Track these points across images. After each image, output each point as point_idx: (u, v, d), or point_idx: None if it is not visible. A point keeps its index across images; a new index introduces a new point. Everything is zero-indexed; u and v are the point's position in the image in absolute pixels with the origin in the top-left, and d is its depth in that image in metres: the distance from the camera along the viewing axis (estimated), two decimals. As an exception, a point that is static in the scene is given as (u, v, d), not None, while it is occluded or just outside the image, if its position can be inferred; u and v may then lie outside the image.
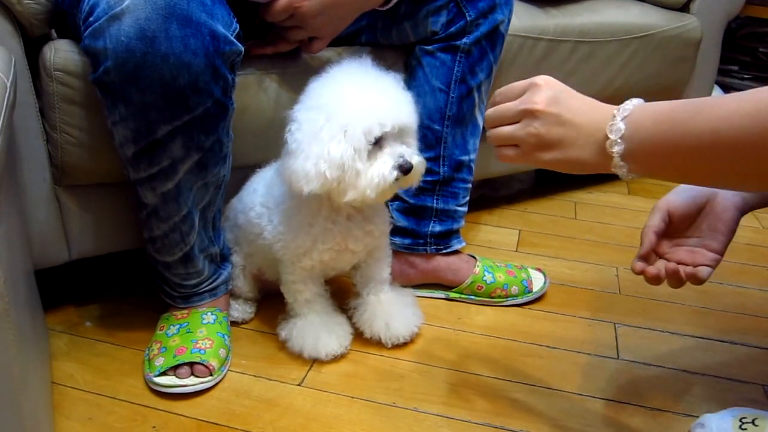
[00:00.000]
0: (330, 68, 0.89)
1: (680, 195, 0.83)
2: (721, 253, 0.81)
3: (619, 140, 0.62)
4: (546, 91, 0.66)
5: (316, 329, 0.97)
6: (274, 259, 0.97)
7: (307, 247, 0.92)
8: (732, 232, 0.82)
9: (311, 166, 0.81)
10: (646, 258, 0.83)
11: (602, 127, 0.63)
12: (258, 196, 0.98)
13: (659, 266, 0.81)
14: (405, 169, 0.85)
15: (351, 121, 0.82)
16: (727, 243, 0.82)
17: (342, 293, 1.10)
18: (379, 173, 0.84)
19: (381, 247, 1.02)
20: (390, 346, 1.02)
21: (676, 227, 0.83)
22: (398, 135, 0.87)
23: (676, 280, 0.79)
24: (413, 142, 0.91)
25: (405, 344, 1.03)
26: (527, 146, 0.67)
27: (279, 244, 0.93)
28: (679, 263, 0.80)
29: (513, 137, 0.68)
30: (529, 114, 0.66)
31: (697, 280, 0.78)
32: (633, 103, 0.64)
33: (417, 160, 0.88)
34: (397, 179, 0.85)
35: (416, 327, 1.04)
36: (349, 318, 1.04)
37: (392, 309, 1.01)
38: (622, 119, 0.62)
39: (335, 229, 0.92)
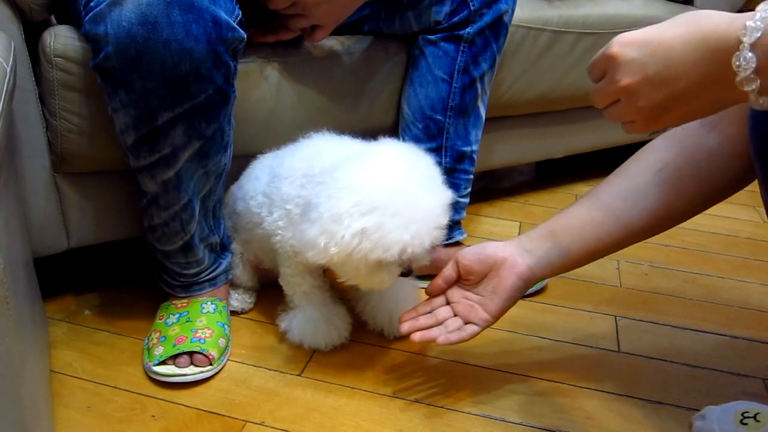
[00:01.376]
0: (397, 145, 0.85)
1: (473, 251, 0.86)
2: (495, 317, 0.85)
3: (752, 76, 0.51)
4: (624, 61, 0.58)
5: (316, 321, 0.97)
6: (272, 250, 0.96)
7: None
8: (511, 298, 0.85)
9: (322, 243, 0.77)
10: (429, 302, 0.89)
11: (721, 62, 0.53)
12: (261, 185, 0.96)
13: (438, 313, 0.87)
14: (406, 274, 0.83)
15: (382, 234, 0.76)
16: (505, 307, 0.85)
17: (341, 284, 1.09)
18: (379, 281, 0.83)
19: None
20: (392, 338, 1.02)
21: (467, 279, 0.87)
22: None
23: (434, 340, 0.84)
24: None
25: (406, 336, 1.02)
26: (642, 120, 0.61)
27: (277, 237, 0.92)
28: (456, 315, 0.86)
29: (623, 116, 0.62)
30: (621, 93, 0.60)
31: (459, 339, 0.84)
32: (763, 16, 0.51)
33: (422, 263, 0.84)
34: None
35: None
36: (352, 309, 1.03)
37: (396, 302, 1.00)
38: (750, 47, 0.51)
39: None
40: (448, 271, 0.88)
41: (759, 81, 0.51)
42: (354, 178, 0.79)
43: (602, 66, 0.61)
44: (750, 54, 0.50)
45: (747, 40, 0.50)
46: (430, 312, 0.88)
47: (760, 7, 0.51)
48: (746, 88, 0.52)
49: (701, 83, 0.55)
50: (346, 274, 0.84)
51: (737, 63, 0.51)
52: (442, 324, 0.86)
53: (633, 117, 0.61)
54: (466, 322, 0.85)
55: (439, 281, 0.88)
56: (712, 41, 0.53)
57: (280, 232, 0.91)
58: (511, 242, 0.86)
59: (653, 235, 0.85)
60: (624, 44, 0.58)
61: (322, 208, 0.78)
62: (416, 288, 1.07)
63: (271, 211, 0.93)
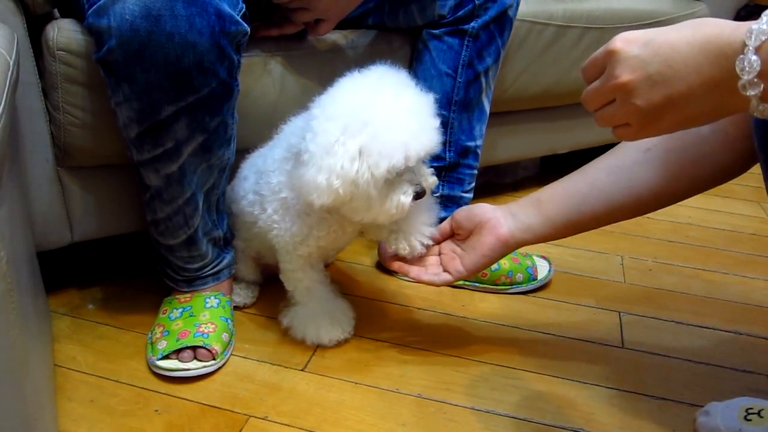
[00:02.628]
0: (358, 72, 0.82)
1: (466, 209, 0.92)
2: (469, 270, 0.90)
3: (755, 80, 0.50)
4: (626, 57, 0.56)
5: (318, 316, 0.97)
6: (272, 246, 0.96)
7: (303, 234, 0.90)
8: (487, 256, 0.89)
9: (323, 179, 0.76)
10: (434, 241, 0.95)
11: (723, 66, 0.52)
12: (249, 184, 0.95)
13: (426, 260, 0.94)
14: (420, 195, 0.82)
15: (374, 148, 0.75)
16: (480, 263, 0.89)
17: (343, 278, 1.10)
18: (397, 203, 0.80)
19: None
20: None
21: (458, 234, 0.93)
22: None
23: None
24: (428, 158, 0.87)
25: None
26: (636, 122, 0.58)
27: (274, 232, 0.92)
28: (440, 264, 0.92)
29: (617, 118, 0.60)
30: (618, 91, 0.57)
31: (429, 281, 0.91)
32: None
33: (431, 180, 0.85)
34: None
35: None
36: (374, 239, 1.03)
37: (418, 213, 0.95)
38: (755, 50, 0.50)
39: (331, 218, 0.89)
40: (445, 225, 0.94)
41: (762, 85, 0.50)
42: (334, 107, 0.79)
43: (601, 63, 0.59)
44: (754, 57, 0.49)
45: (752, 43, 0.49)
46: (422, 258, 0.94)
47: (767, 11, 0.51)
48: (748, 93, 0.51)
49: (702, 86, 0.53)
50: (359, 210, 0.81)
51: (740, 66, 0.50)
52: (424, 268, 0.93)
53: (627, 119, 0.59)
54: (445, 271, 0.91)
55: (435, 233, 0.94)
56: (716, 44, 0.52)
57: (276, 226, 0.91)
58: (503, 206, 0.91)
59: (635, 216, 0.86)
60: (627, 41, 0.57)
61: (311, 146, 0.77)
62: (432, 197, 0.98)
63: (264, 208, 0.92)
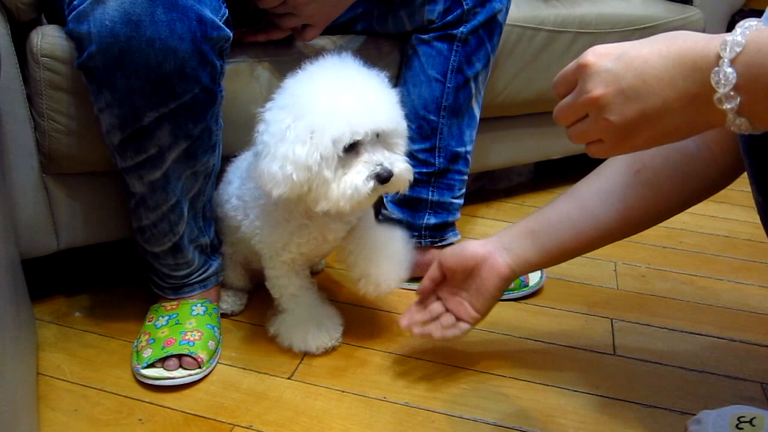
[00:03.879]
0: (306, 65, 0.83)
1: (453, 252, 0.88)
2: (483, 314, 0.88)
3: (731, 93, 0.49)
4: (598, 71, 0.54)
5: (305, 323, 0.96)
6: (257, 251, 0.95)
7: (284, 241, 0.89)
8: (494, 297, 0.87)
9: (277, 168, 0.77)
10: (421, 301, 0.92)
11: (698, 79, 0.50)
12: (233, 188, 0.95)
13: (432, 309, 0.90)
14: (383, 178, 0.79)
15: (319, 124, 0.76)
16: (490, 305, 0.88)
17: (332, 285, 1.09)
18: (351, 184, 0.78)
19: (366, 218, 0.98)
20: (382, 294, 0.97)
21: (452, 278, 0.89)
22: (380, 140, 0.81)
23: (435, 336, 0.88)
24: (401, 143, 0.85)
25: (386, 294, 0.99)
26: (610, 139, 0.56)
27: (256, 238, 0.91)
28: (448, 310, 0.89)
29: (590, 134, 0.58)
30: (591, 106, 0.55)
31: (454, 336, 0.88)
32: (744, 31, 0.48)
33: (401, 167, 0.82)
34: (374, 189, 0.80)
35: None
36: (343, 267, 1.03)
37: (387, 252, 0.96)
38: (730, 62, 0.48)
39: (312, 225, 0.88)
40: (433, 272, 0.90)
41: (738, 99, 0.48)
42: (284, 96, 0.80)
43: (572, 77, 0.58)
44: (730, 69, 0.48)
45: (727, 55, 0.48)
46: (424, 308, 0.91)
47: (740, 23, 0.49)
48: (725, 106, 0.49)
49: (677, 101, 0.52)
50: (319, 199, 0.79)
51: (716, 79, 0.49)
52: (436, 319, 0.89)
53: (600, 135, 0.57)
54: (458, 319, 0.88)
55: (426, 283, 0.91)
56: (690, 57, 0.50)
57: (258, 231, 0.90)
58: (492, 239, 0.88)
59: (629, 236, 0.86)
60: (599, 54, 0.55)
61: (265, 136, 0.78)
62: (407, 240, 1.00)
63: (246, 214, 0.92)
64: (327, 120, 0.76)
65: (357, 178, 0.79)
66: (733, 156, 0.77)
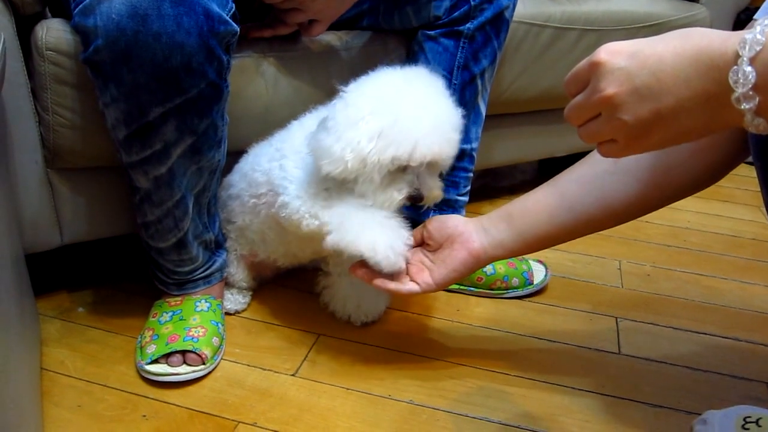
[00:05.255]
0: (406, 67, 0.88)
1: (438, 219, 0.90)
2: (438, 284, 0.86)
3: (750, 92, 0.47)
4: (611, 69, 0.53)
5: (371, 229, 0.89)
6: (267, 230, 0.96)
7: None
8: (457, 270, 0.86)
9: (339, 149, 0.79)
10: None
11: (715, 78, 0.49)
12: (263, 157, 0.95)
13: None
14: (415, 199, 0.84)
15: (391, 134, 0.79)
16: (450, 278, 0.87)
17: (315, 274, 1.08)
18: (390, 197, 0.83)
19: None
20: (359, 324, 1.02)
21: (428, 244, 0.90)
22: (430, 162, 0.84)
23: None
24: (446, 166, 0.89)
25: (373, 323, 1.04)
26: (623, 138, 0.55)
27: (293, 185, 0.89)
28: (407, 275, 0.88)
29: (602, 134, 0.56)
30: (604, 105, 0.54)
31: (396, 289, 0.86)
32: (763, 29, 0.47)
33: (435, 194, 0.86)
34: (403, 204, 0.85)
35: (385, 306, 1.04)
36: (318, 295, 1.04)
37: (364, 290, 0.99)
38: (749, 61, 0.47)
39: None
40: (416, 233, 0.91)
41: (757, 98, 0.47)
42: (369, 88, 0.83)
43: (584, 76, 0.56)
44: (749, 68, 0.46)
45: (746, 54, 0.46)
46: None
47: (760, 20, 0.48)
48: (743, 106, 0.48)
49: (692, 100, 0.50)
50: (366, 193, 0.84)
51: (734, 78, 0.47)
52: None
53: (613, 135, 0.55)
54: (412, 280, 0.87)
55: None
56: (707, 55, 0.49)
57: (294, 181, 0.89)
58: (475, 219, 0.89)
59: (605, 228, 0.85)
60: (612, 52, 0.53)
61: (339, 115, 0.81)
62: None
63: (282, 168, 0.91)
64: (400, 135, 0.79)
65: (396, 195, 0.83)
66: (719, 150, 0.76)
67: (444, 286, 0.88)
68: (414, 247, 0.91)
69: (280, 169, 0.90)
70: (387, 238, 0.84)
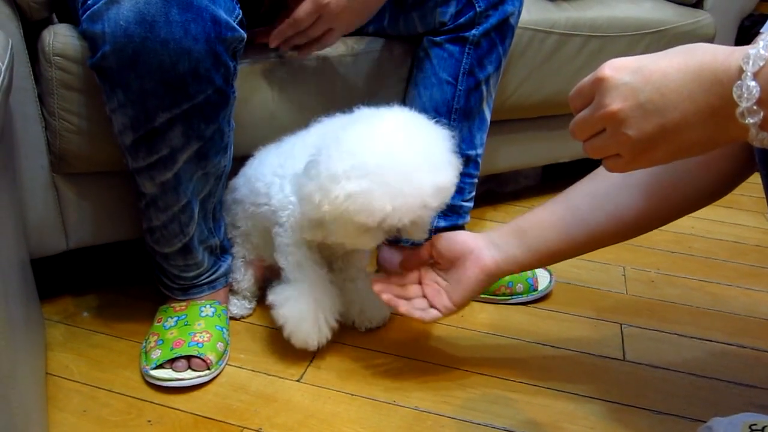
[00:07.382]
0: (406, 111, 0.86)
1: (446, 237, 0.89)
2: (458, 305, 0.87)
3: (754, 107, 0.47)
4: (615, 85, 0.54)
5: (305, 313, 0.93)
6: (268, 236, 0.96)
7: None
8: (473, 290, 0.87)
9: (317, 199, 0.80)
10: (402, 275, 0.92)
11: (719, 93, 0.49)
12: (268, 167, 0.95)
13: (409, 290, 0.91)
14: (390, 242, 0.85)
15: (363, 204, 0.77)
16: (467, 298, 0.88)
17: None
18: (363, 243, 0.85)
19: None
20: (363, 330, 1.03)
21: (438, 263, 0.91)
22: None
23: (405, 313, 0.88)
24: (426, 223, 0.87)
25: (378, 329, 1.04)
26: (628, 153, 0.56)
27: (286, 212, 0.91)
28: (424, 296, 0.89)
29: (607, 149, 0.57)
30: (609, 120, 0.54)
31: (420, 318, 0.87)
32: (767, 45, 0.47)
33: (419, 235, 0.87)
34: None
35: (389, 313, 1.05)
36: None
37: (368, 296, 1.00)
38: (753, 76, 0.47)
39: None
40: (423, 252, 0.91)
41: (762, 113, 0.47)
42: (355, 142, 0.80)
43: (589, 91, 0.57)
44: (753, 83, 0.47)
45: (749, 69, 0.47)
46: (402, 285, 0.92)
47: (764, 35, 0.48)
48: (747, 121, 0.48)
49: (697, 115, 0.51)
50: (335, 232, 0.84)
51: (738, 92, 0.47)
52: (409, 300, 0.90)
53: (618, 149, 0.56)
54: (431, 306, 0.88)
55: (412, 258, 0.92)
56: (710, 70, 0.49)
57: (290, 207, 0.90)
58: (484, 234, 0.89)
59: (617, 242, 0.85)
60: (616, 68, 0.54)
61: (321, 166, 0.80)
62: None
63: (282, 188, 0.92)
64: (371, 205, 0.77)
65: (371, 242, 0.85)
66: (727, 162, 0.76)
67: (463, 307, 0.88)
68: (420, 263, 0.92)
69: (280, 190, 0.92)
70: (317, 331, 0.92)
